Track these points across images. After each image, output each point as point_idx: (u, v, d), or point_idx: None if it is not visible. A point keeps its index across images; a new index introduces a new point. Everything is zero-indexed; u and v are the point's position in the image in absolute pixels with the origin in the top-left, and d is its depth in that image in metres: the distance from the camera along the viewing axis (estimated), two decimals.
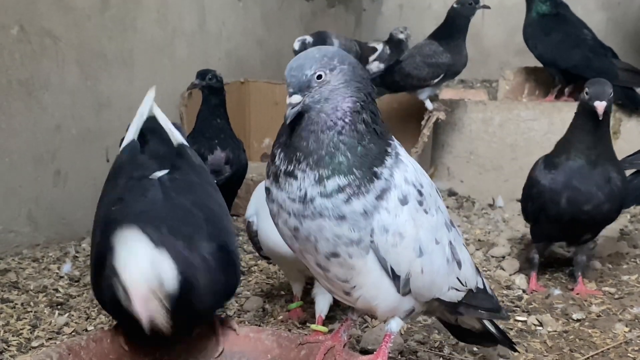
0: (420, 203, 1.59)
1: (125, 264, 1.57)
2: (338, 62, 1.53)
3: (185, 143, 2.16)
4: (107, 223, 1.84)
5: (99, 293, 1.82)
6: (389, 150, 1.57)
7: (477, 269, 1.86)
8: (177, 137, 2.16)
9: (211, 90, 3.05)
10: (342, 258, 1.54)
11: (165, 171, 1.99)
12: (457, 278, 1.74)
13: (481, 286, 1.84)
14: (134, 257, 1.58)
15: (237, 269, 1.88)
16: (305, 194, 1.50)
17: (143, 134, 2.14)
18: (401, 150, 1.62)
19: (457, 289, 1.75)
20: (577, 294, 2.67)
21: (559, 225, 2.68)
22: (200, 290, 1.70)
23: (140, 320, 1.56)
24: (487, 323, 1.96)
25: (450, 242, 1.71)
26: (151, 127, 2.16)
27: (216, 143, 3.04)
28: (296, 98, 1.50)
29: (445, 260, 1.69)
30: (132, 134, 2.13)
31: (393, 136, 1.63)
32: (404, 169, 1.58)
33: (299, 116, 1.52)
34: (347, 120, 1.51)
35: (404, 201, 1.56)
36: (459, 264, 1.74)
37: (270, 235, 2.08)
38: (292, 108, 1.50)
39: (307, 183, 1.49)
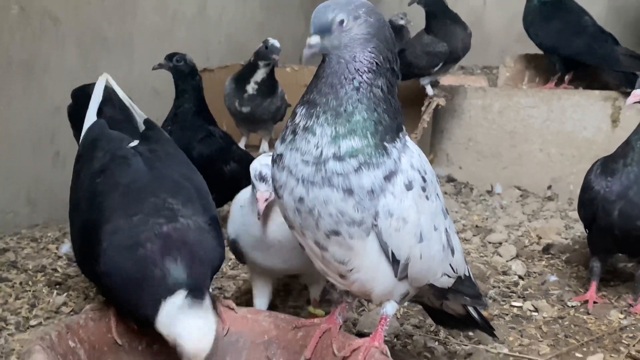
0: (424, 189, 1.60)
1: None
2: (364, 13, 1.52)
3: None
4: (93, 195, 1.83)
5: (87, 265, 1.82)
6: (400, 134, 1.58)
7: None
8: (140, 113, 2.16)
9: (178, 74, 2.94)
10: (342, 237, 1.54)
11: (138, 141, 1.99)
12: (450, 264, 1.75)
13: (467, 273, 1.86)
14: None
15: (223, 240, 1.88)
16: (321, 153, 1.49)
17: (106, 114, 2.12)
18: (407, 137, 1.63)
19: (448, 276, 1.76)
20: (637, 313, 2.44)
21: (611, 238, 2.46)
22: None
23: None
24: (470, 309, 1.98)
25: (446, 229, 1.73)
26: (111, 108, 2.15)
27: (169, 130, 2.83)
28: (315, 39, 1.51)
29: (442, 247, 1.70)
30: (92, 116, 2.10)
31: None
32: (410, 154, 1.59)
33: (320, 69, 1.53)
34: (364, 77, 1.51)
35: (409, 186, 1.56)
36: (452, 251, 1.75)
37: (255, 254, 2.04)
38: (309, 48, 1.51)
39: (325, 141, 1.50)
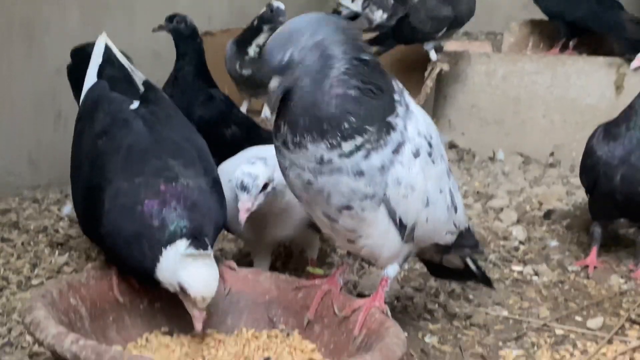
0: (430, 154, 1.61)
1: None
2: (310, 36, 1.48)
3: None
4: (95, 158, 1.83)
5: (89, 226, 1.83)
6: (396, 97, 1.57)
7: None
8: (139, 74, 2.15)
9: (179, 36, 2.87)
10: (355, 211, 1.56)
11: (138, 102, 1.97)
12: (453, 222, 1.78)
13: (467, 225, 1.88)
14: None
15: (225, 202, 1.88)
16: (322, 157, 1.49)
17: (107, 75, 2.10)
18: (409, 99, 1.62)
19: (452, 233, 1.79)
20: (638, 278, 2.44)
21: (612, 204, 2.43)
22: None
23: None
24: (469, 261, 2.01)
25: (450, 189, 1.74)
26: (111, 68, 2.12)
27: (169, 93, 2.65)
28: (275, 82, 1.49)
29: (446, 208, 1.72)
30: (93, 77, 2.09)
31: (398, 81, 1.61)
32: (415, 120, 1.58)
33: (289, 92, 1.50)
34: (334, 92, 1.49)
35: (416, 154, 1.57)
36: (455, 209, 1.77)
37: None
38: (273, 91, 1.49)
39: (321, 152, 1.49)
